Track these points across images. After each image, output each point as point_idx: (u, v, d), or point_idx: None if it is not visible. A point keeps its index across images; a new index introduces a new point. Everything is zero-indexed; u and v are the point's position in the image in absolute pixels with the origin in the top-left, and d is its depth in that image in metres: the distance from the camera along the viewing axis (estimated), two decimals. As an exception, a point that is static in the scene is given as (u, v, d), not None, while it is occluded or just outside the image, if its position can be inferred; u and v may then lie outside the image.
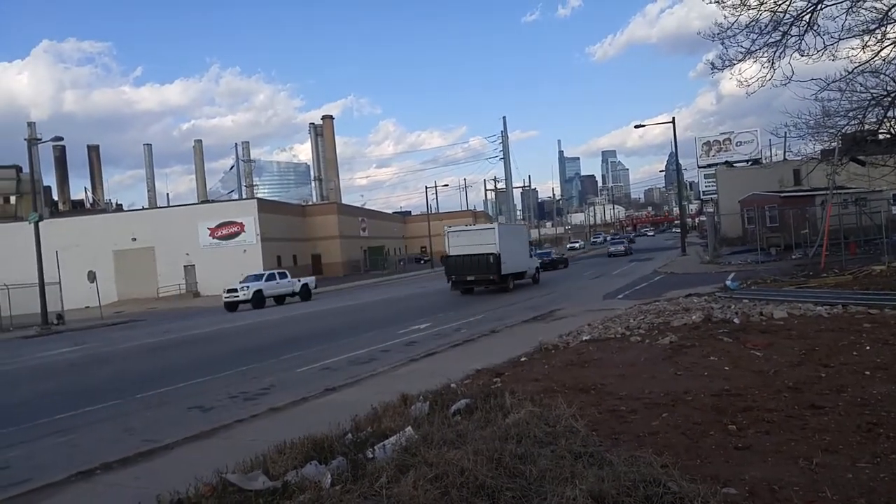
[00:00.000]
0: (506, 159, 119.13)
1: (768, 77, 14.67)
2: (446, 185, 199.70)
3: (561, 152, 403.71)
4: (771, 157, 61.40)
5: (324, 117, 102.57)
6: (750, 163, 57.95)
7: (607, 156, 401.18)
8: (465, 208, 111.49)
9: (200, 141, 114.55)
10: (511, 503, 3.88)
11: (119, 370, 14.77)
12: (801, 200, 33.82)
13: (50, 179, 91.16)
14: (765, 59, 14.56)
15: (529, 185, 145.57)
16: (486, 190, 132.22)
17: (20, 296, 31.81)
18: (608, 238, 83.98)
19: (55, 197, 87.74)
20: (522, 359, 9.94)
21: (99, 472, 6.45)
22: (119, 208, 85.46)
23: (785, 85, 14.82)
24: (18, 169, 71.68)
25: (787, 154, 48.56)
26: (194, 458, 6.48)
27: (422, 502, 3.85)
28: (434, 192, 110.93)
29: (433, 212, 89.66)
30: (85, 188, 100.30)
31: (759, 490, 3.99)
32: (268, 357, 13.95)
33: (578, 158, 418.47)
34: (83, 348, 20.29)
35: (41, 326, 30.02)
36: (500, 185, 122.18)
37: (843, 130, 19.69)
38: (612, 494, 3.84)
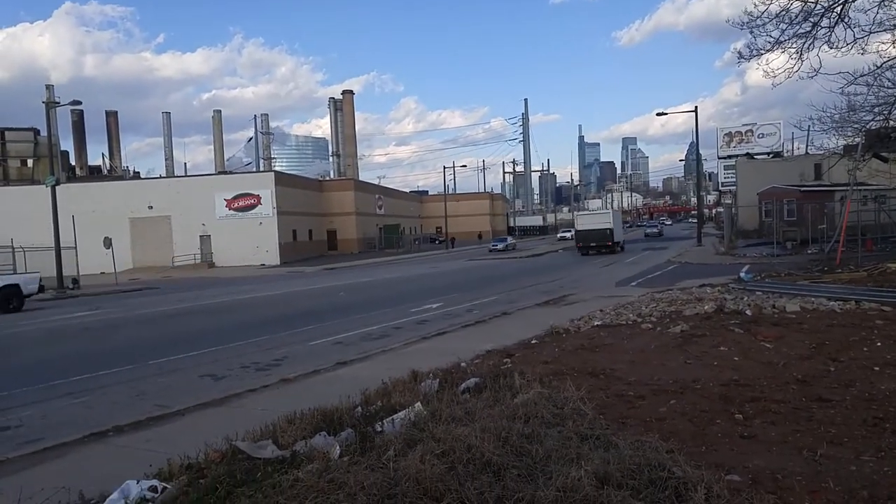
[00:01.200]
0: (526, 142, 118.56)
1: (795, 68, 14.45)
2: (464, 166, 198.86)
3: (581, 137, 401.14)
4: (793, 150, 60.44)
5: (344, 92, 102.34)
6: (771, 155, 57.03)
7: (628, 143, 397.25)
8: (483, 190, 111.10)
9: (220, 111, 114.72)
10: (516, 481, 3.92)
11: (133, 336, 15.02)
12: (821, 195, 33.33)
13: (67, 144, 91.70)
14: (793, 50, 14.34)
15: (548, 170, 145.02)
16: (504, 172, 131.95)
17: (36, 259, 32.15)
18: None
19: (72, 162, 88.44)
20: (533, 341, 9.99)
21: (111, 434, 6.60)
22: (136, 176, 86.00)
23: (812, 77, 14.60)
24: (36, 132, 72.10)
25: (809, 148, 47.76)
26: (205, 425, 6.61)
27: (428, 476, 3.91)
28: (452, 172, 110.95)
29: (450, 192, 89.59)
30: (102, 154, 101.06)
31: (762, 478, 4.01)
32: (282, 329, 14.11)
33: (598, 144, 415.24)
34: (98, 313, 20.62)
35: (57, 290, 30.46)
36: (519, 168, 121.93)
37: (868, 126, 19.37)
38: (616, 477, 3.88)
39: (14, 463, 5.86)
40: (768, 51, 14.54)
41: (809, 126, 25.43)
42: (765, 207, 41.98)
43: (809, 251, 27.06)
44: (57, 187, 32.80)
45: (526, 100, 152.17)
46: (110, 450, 6.16)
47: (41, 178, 51.87)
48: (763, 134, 58.87)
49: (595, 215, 43.44)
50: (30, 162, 72.29)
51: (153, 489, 4.45)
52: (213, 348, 12.07)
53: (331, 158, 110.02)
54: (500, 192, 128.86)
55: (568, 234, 67.04)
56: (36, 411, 8.08)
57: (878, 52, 14.63)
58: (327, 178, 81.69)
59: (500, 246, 53.74)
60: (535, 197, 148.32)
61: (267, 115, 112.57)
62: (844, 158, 24.59)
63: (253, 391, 8.20)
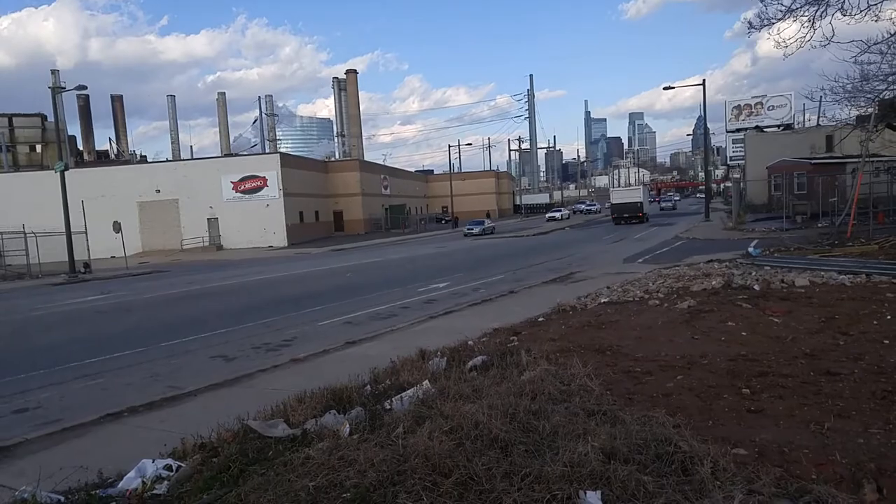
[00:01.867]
0: (531, 119, 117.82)
1: (808, 38, 14.16)
2: (469, 144, 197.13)
3: (587, 113, 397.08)
4: (804, 122, 59.56)
5: (347, 72, 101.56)
6: (781, 128, 56.26)
7: (634, 118, 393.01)
8: (489, 168, 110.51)
9: (224, 93, 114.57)
10: (524, 456, 3.97)
11: (144, 319, 15.18)
12: (832, 167, 32.94)
13: (75, 129, 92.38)
14: (805, 19, 14.03)
15: (554, 146, 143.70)
16: (510, 150, 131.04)
17: (47, 244, 32.46)
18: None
19: (80, 147, 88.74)
20: (540, 319, 10.01)
21: (126, 415, 6.73)
22: (143, 160, 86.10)
23: (825, 46, 14.32)
24: (43, 117, 72.35)
25: (820, 119, 47.12)
26: (217, 405, 6.71)
27: (437, 453, 3.96)
28: (457, 151, 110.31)
29: (456, 171, 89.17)
30: (109, 139, 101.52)
31: (768, 451, 4.03)
32: (291, 310, 14.22)
33: (605, 120, 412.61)
34: (110, 297, 20.82)
35: (69, 274, 30.73)
36: (525, 145, 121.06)
37: (882, 96, 19.08)
38: (623, 451, 3.91)
39: (34, 443, 5.99)
40: (780, 20, 14.23)
41: (821, 97, 24.92)
42: (774, 181, 41.63)
43: (820, 225, 26.85)
44: (66, 172, 32.90)
45: (531, 76, 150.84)
46: (126, 430, 6.28)
47: (50, 163, 52.07)
48: (773, 106, 58.01)
49: (628, 191, 51.91)
50: (38, 147, 72.60)
51: (168, 468, 4.55)
52: (224, 330, 12.18)
53: (336, 139, 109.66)
54: (505, 169, 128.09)
55: (557, 215, 64.27)
56: (53, 393, 8.22)
57: (892, 19, 14.32)
58: (332, 159, 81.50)
59: (477, 230, 47.78)
60: (542, 174, 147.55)
61: (271, 96, 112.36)
62: (857, 129, 24.25)
63: (263, 371, 8.30)
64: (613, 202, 48.96)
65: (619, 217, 46.82)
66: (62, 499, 4.30)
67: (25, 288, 26.97)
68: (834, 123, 25.82)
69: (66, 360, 10.13)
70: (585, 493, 3.45)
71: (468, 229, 48.56)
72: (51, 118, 63.70)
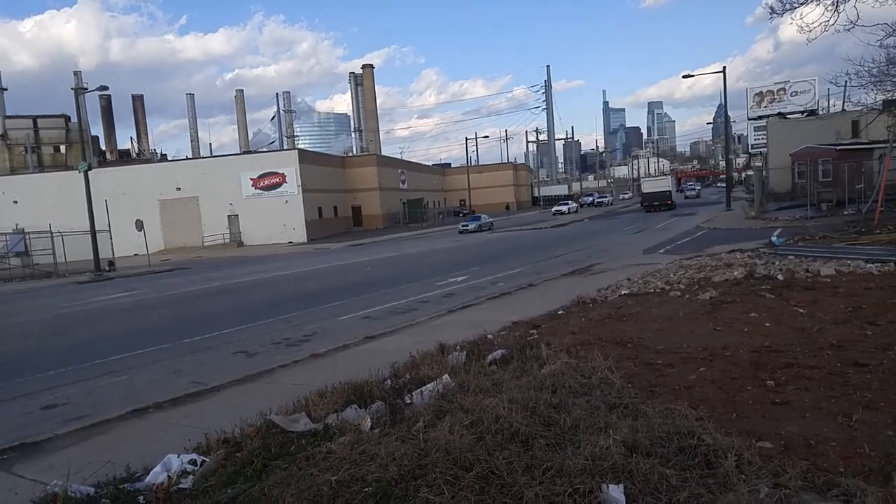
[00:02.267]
0: (548, 110, 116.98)
1: (831, 21, 13.90)
2: (486, 137, 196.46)
3: (606, 103, 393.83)
4: (828, 107, 58.31)
5: (364, 66, 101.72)
6: (805, 114, 55.13)
7: (653, 107, 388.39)
8: (507, 160, 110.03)
9: (242, 91, 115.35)
10: (545, 450, 3.95)
11: (167, 315, 15.39)
12: (858, 153, 32.23)
13: (97, 129, 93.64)
14: (829, 2, 13.76)
15: (572, 137, 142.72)
16: (527, 141, 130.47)
17: (72, 242, 33.10)
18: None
19: (102, 146, 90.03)
20: (559, 312, 9.96)
21: (151, 411, 6.83)
22: (164, 158, 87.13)
23: (849, 30, 14.05)
24: (67, 118, 73.54)
25: (846, 105, 46.08)
26: (239, 400, 6.79)
27: (458, 447, 3.96)
28: (475, 144, 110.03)
29: (473, 164, 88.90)
30: (131, 138, 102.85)
31: (794, 444, 3.97)
32: (310, 305, 14.31)
33: (624, 110, 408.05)
34: (133, 294, 21.14)
35: (94, 272, 31.28)
36: (543, 137, 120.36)
37: (908, 79, 18.62)
38: (645, 445, 3.88)
39: (63, 438, 6.11)
40: (802, 4, 13.98)
41: (846, 82, 24.39)
42: (798, 168, 40.84)
43: (846, 212, 26.33)
44: (89, 172, 33.44)
45: (548, 66, 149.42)
46: (151, 425, 6.38)
47: (74, 163, 52.92)
48: (796, 92, 56.84)
49: (657, 180, 56.81)
50: (62, 148, 73.82)
51: (193, 462, 4.61)
52: (245, 325, 12.31)
53: (353, 134, 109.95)
54: (523, 161, 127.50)
55: (564, 209, 61.52)
56: (81, 389, 8.38)
57: (918, 1, 13.97)
58: (350, 155, 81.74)
59: (472, 226, 44.80)
60: (560, 165, 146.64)
61: (289, 92, 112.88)
62: (884, 114, 23.71)
63: (284, 366, 8.37)
64: (644, 191, 54.00)
65: (649, 205, 50.29)
66: (92, 491, 4.38)
67: (52, 286, 27.50)
68: (860, 108, 25.26)
69: (92, 356, 10.31)
70: (607, 486, 3.43)
71: (463, 226, 45.72)
72: (74, 119, 64.76)
